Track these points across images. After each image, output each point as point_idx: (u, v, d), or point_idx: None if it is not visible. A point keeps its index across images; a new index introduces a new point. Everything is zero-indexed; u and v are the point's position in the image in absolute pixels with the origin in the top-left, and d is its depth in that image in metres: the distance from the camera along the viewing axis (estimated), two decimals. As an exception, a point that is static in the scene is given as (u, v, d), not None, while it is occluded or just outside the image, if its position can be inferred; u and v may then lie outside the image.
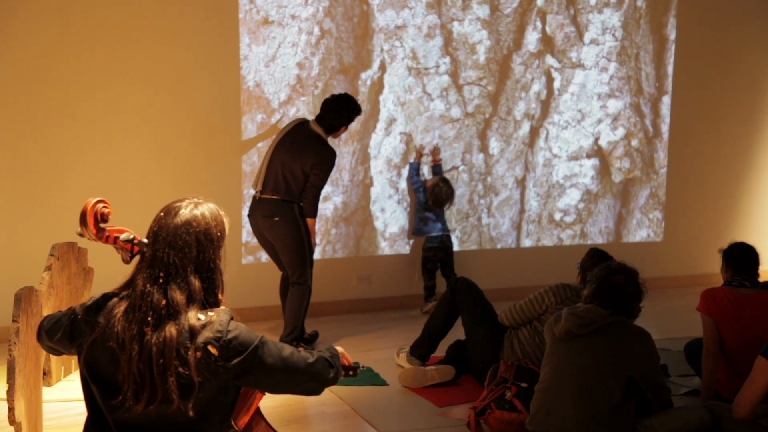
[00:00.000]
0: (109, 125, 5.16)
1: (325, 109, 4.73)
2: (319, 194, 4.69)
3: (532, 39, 6.27)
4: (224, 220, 2.10)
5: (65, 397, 3.98)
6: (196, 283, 1.98)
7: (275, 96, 5.57)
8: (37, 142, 5.02)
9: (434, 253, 5.90)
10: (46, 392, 3.95)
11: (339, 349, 2.31)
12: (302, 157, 4.59)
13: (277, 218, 4.63)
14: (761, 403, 3.26)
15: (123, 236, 2.16)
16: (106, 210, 2.18)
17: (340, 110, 4.69)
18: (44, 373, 4.04)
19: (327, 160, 4.65)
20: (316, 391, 2.17)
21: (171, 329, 1.92)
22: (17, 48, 4.93)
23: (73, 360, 4.27)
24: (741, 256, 3.94)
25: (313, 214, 4.70)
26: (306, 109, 5.57)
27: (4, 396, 3.27)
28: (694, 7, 6.75)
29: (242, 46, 5.45)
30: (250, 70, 5.48)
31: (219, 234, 2.06)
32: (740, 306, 3.79)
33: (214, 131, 5.42)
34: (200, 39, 5.32)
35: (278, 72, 5.55)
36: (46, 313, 3.40)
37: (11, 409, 3.03)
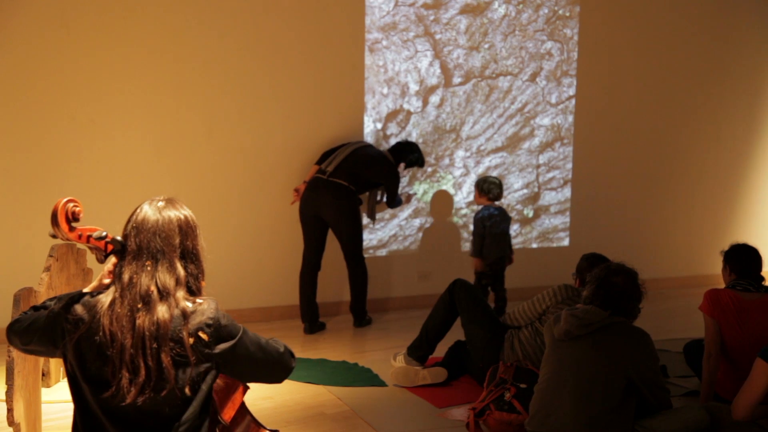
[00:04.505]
0: (108, 125, 5.17)
1: (398, 148, 5.65)
2: (397, 194, 5.62)
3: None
4: (192, 214, 2.19)
5: (64, 398, 3.98)
6: (180, 268, 2.07)
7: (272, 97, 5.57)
8: (37, 143, 5.02)
9: (492, 269, 5.66)
10: (45, 393, 3.96)
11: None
12: (374, 169, 5.48)
13: (344, 201, 5.36)
14: (760, 404, 3.26)
15: (96, 234, 2.18)
16: (77, 209, 2.19)
17: (408, 153, 5.64)
18: (43, 374, 4.04)
19: (394, 176, 5.54)
20: (281, 380, 2.28)
21: (163, 312, 2.00)
22: (17, 48, 4.93)
23: (72, 361, 4.27)
24: (744, 260, 3.88)
25: (397, 203, 5.69)
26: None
27: (3, 397, 3.27)
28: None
29: (241, 46, 5.45)
30: (249, 70, 5.49)
31: (195, 223, 2.17)
32: (744, 310, 3.77)
33: (214, 131, 5.42)
34: (200, 39, 5.32)
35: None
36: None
37: (10, 410, 3.03)
